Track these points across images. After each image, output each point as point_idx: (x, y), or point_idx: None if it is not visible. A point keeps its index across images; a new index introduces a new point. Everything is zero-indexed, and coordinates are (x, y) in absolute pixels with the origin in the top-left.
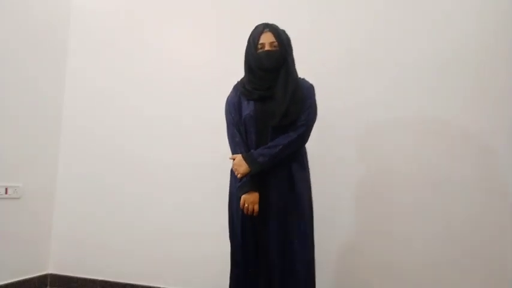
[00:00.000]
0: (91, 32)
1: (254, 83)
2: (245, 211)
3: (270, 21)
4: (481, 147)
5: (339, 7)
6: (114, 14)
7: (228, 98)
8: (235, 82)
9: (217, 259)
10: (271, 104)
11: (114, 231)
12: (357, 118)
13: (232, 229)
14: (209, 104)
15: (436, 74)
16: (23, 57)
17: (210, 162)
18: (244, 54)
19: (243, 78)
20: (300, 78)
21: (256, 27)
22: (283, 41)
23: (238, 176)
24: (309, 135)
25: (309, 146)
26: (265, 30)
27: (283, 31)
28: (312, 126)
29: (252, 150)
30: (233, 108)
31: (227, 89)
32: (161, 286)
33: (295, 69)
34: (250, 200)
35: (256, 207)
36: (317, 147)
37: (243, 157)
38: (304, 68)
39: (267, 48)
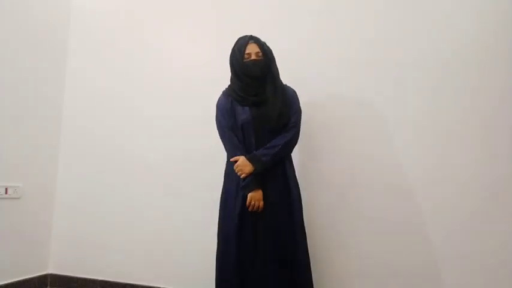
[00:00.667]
0: (91, 32)
1: (245, 90)
2: (251, 208)
3: (268, 21)
4: (482, 147)
5: (338, 7)
6: (114, 14)
7: (219, 104)
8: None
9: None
10: (265, 109)
11: (114, 231)
12: (356, 118)
13: (225, 229)
14: (209, 104)
15: (436, 74)
16: (23, 57)
17: (211, 163)
18: (229, 63)
19: (230, 85)
20: (283, 84)
21: (242, 38)
22: (266, 51)
23: (243, 175)
24: (298, 135)
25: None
26: (250, 41)
27: (265, 43)
28: (299, 127)
29: (254, 151)
30: (227, 113)
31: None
32: (161, 286)
33: (279, 76)
34: (256, 197)
35: (262, 203)
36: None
37: (247, 158)
38: (305, 67)
39: (253, 57)
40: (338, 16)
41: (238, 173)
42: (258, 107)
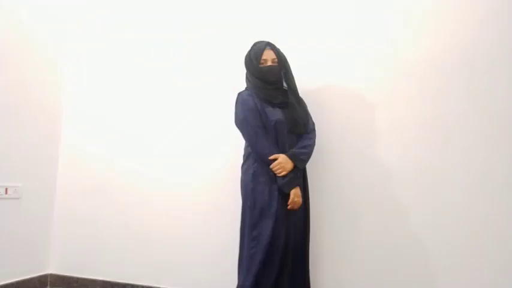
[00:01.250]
0: (91, 32)
1: (270, 92)
2: (292, 205)
3: (269, 20)
4: (485, 148)
5: (339, 7)
6: (115, 14)
7: (245, 103)
8: (242, 90)
9: (218, 260)
10: (293, 112)
11: (114, 231)
12: (357, 118)
13: (262, 229)
14: (210, 107)
15: (436, 74)
16: (23, 57)
17: (211, 163)
18: (245, 66)
19: (251, 86)
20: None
21: (258, 44)
22: (281, 58)
23: (283, 173)
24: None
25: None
26: (267, 47)
27: (280, 50)
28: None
29: (293, 150)
30: (257, 112)
31: (228, 93)
32: (161, 286)
33: (296, 84)
34: (297, 193)
35: (301, 200)
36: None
37: (288, 156)
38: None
39: (269, 63)
40: (338, 16)
41: (278, 171)
42: (285, 110)
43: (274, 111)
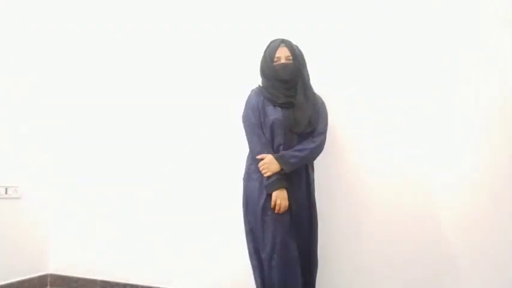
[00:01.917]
0: (91, 32)
1: (276, 91)
2: (277, 208)
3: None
4: (488, 146)
5: (339, 7)
6: (115, 14)
7: (249, 101)
8: (254, 87)
9: (218, 260)
10: (296, 112)
11: (114, 231)
12: (359, 117)
13: (250, 225)
14: (212, 106)
15: (438, 75)
16: (22, 57)
17: (212, 163)
18: (260, 67)
19: (261, 85)
20: (314, 91)
21: (273, 42)
22: (297, 55)
23: (268, 174)
24: (325, 142)
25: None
26: (281, 45)
27: (297, 47)
28: (326, 135)
29: (282, 152)
30: (258, 111)
31: (229, 92)
32: (161, 286)
33: (310, 82)
34: (281, 196)
35: (286, 203)
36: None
37: (274, 157)
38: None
39: (282, 61)
40: (339, 16)
41: (263, 171)
42: (289, 109)
43: (274, 111)
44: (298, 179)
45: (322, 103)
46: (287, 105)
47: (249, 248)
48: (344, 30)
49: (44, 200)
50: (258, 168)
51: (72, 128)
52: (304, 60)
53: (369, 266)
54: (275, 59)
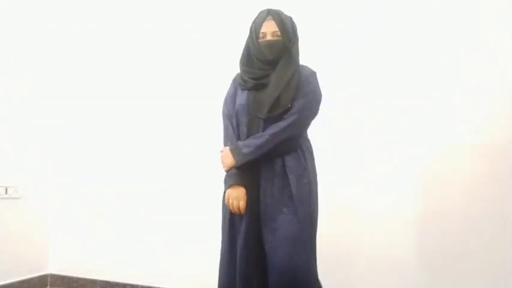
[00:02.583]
0: (91, 32)
1: (250, 72)
2: (231, 209)
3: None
4: (486, 147)
5: (340, 7)
6: (115, 14)
7: (227, 92)
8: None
9: (218, 260)
10: (261, 93)
11: (114, 231)
12: (356, 116)
13: (222, 231)
14: (212, 106)
15: (438, 75)
16: (22, 56)
17: (212, 163)
18: (245, 44)
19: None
20: (301, 65)
21: (259, 13)
22: (287, 30)
23: (224, 168)
24: (302, 125)
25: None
26: (268, 18)
27: (289, 18)
28: (307, 115)
29: (238, 142)
30: (229, 99)
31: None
32: (161, 286)
33: (298, 59)
34: (233, 195)
35: (242, 204)
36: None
37: (230, 149)
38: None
39: (268, 38)
40: (339, 16)
41: (222, 166)
42: (257, 92)
43: (241, 96)
44: (269, 170)
45: (308, 76)
46: (256, 87)
47: None
48: (344, 30)
49: (44, 200)
50: None
51: (72, 128)
52: (295, 35)
53: (369, 266)
54: (260, 35)
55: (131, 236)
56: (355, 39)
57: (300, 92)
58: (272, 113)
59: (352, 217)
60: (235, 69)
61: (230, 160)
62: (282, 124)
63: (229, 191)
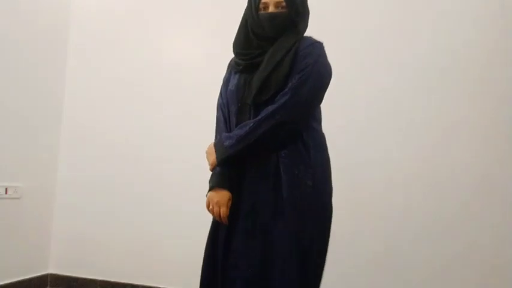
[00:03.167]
0: (92, 32)
1: (245, 53)
2: (213, 215)
3: None
4: (486, 148)
5: (339, 10)
6: (115, 14)
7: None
8: None
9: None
10: (254, 75)
11: (114, 231)
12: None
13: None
14: (211, 104)
15: (437, 75)
16: (23, 56)
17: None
18: (241, 19)
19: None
20: (304, 36)
21: None
22: (294, 1)
23: (209, 167)
24: (297, 107)
25: None
26: None
27: None
28: (305, 94)
29: (223, 134)
30: (223, 87)
31: None
32: (161, 286)
33: (303, 34)
34: (214, 200)
35: (223, 210)
36: None
37: (214, 144)
38: None
39: (270, 9)
40: (339, 16)
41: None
42: (249, 74)
43: (233, 80)
44: (259, 169)
45: (308, 46)
46: (249, 69)
47: None
48: (344, 30)
49: (44, 200)
50: None
51: (72, 128)
52: (305, 8)
53: (369, 266)
54: (261, 6)
55: (131, 235)
56: (355, 39)
57: (296, 68)
58: (260, 97)
59: (352, 217)
60: None
61: (214, 157)
62: (270, 108)
63: (210, 194)
